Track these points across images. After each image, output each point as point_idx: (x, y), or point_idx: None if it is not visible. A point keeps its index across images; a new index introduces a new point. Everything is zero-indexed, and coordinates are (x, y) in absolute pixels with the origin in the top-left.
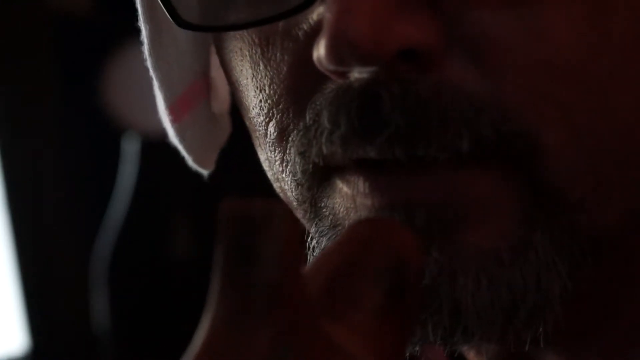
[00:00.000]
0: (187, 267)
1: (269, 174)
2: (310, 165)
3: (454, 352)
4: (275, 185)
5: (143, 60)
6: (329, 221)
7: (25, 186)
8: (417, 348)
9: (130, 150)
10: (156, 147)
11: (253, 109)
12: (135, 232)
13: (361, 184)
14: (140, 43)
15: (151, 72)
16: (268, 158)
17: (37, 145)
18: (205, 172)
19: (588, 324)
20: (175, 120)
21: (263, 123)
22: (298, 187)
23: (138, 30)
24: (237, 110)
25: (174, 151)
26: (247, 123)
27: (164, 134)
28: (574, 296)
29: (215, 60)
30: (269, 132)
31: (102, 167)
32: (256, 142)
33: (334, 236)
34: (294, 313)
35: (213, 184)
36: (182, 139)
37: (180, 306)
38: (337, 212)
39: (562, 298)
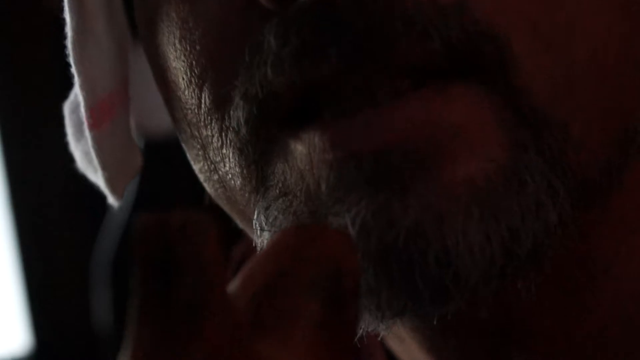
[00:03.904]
0: None
1: (203, 172)
2: (254, 107)
3: None
4: (213, 180)
5: (142, 60)
6: (277, 190)
7: (27, 186)
8: (395, 322)
9: None
10: (158, 146)
11: (183, 79)
12: None
13: (318, 139)
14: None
15: (73, 68)
16: (203, 144)
17: (38, 144)
18: (113, 203)
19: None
20: (94, 126)
21: (196, 91)
22: (242, 152)
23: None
24: None
25: (176, 150)
26: (177, 114)
27: (165, 133)
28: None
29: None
30: (203, 100)
31: None
32: (188, 139)
33: (283, 207)
34: (222, 336)
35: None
36: (99, 149)
37: None
38: (288, 177)
39: (562, 227)
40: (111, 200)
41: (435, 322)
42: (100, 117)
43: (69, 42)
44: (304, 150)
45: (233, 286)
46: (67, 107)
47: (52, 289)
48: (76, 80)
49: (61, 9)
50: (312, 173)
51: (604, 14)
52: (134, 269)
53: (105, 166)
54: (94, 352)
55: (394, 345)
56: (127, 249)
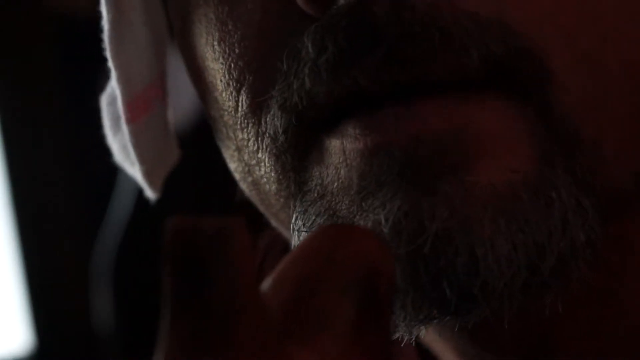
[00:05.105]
0: None
1: (238, 172)
2: (293, 117)
3: None
4: (247, 182)
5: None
6: (315, 193)
7: (28, 185)
8: (420, 329)
9: None
10: None
11: (221, 81)
12: (139, 230)
13: (351, 129)
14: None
15: (110, 63)
16: (238, 146)
17: (39, 144)
18: (152, 197)
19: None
20: (132, 119)
21: (233, 94)
22: (279, 159)
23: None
24: None
25: (178, 148)
26: (213, 113)
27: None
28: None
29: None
30: (240, 104)
31: (104, 165)
32: (223, 139)
33: (321, 209)
34: (255, 341)
35: (217, 180)
36: (136, 142)
37: None
38: (325, 177)
39: (590, 247)
40: (149, 193)
41: (470, 334)
42: (137, 111)
43: (105, 36)
44: (337, 143)
45: (264, 289)
46: (104, 100)
47: (52, 289)
48: (113, 74)
49: (65, 7)
50: (345, 164)
51: (636, 27)
52: (164, 274)
53: (143, 160)
54: (94, 352)
55: (429, 342)
56: (127, 249)
